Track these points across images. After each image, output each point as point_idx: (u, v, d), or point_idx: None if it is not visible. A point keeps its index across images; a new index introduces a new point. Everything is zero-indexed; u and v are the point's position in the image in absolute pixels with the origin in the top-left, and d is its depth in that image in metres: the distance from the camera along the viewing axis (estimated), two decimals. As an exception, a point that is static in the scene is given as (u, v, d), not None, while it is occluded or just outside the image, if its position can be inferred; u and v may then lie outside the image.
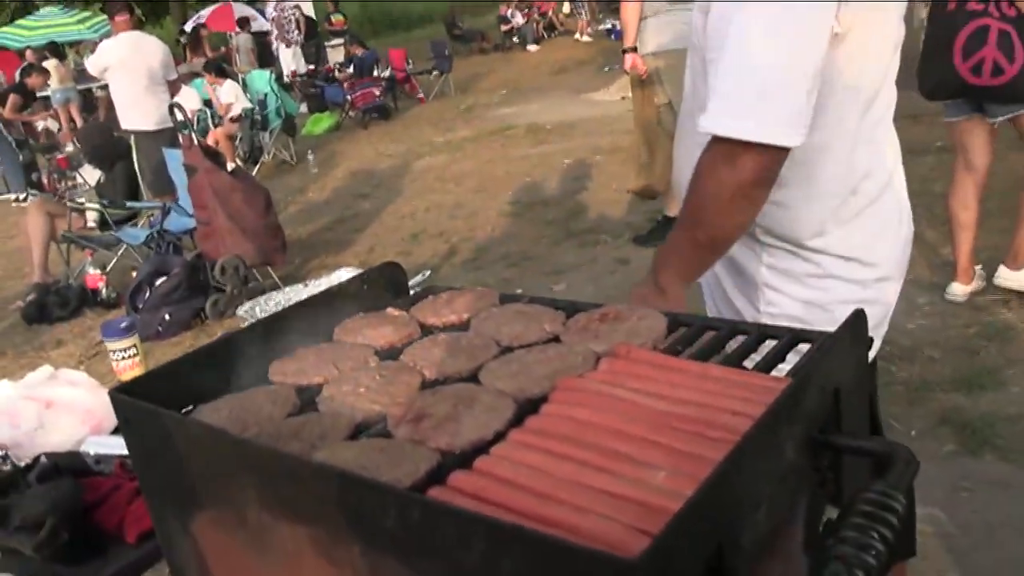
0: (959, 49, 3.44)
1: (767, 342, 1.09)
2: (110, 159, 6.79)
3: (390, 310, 1.33)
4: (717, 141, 1.28)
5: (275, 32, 14.95)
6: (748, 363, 1.06)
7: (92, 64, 7.00)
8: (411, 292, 2.16)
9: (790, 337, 1.07)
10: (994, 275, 4.02)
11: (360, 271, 2.44)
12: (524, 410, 0.99)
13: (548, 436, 0.89)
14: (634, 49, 4.77)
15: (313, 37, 16.48)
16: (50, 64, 12.70)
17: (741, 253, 1.51)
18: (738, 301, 1.55)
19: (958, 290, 3.95)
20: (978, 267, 4.05)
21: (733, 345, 1.12)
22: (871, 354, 1.54)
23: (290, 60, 14.61)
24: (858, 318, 0.96)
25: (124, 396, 1.05)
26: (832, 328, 1.42)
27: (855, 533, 0.72)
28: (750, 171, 1.25)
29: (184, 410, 1.13)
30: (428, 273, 2.32)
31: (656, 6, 4.67)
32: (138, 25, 8.05)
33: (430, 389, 1.07)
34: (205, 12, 18.61)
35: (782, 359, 1.04)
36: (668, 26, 4.62)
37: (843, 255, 1.45)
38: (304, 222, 7.64)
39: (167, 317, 5.20)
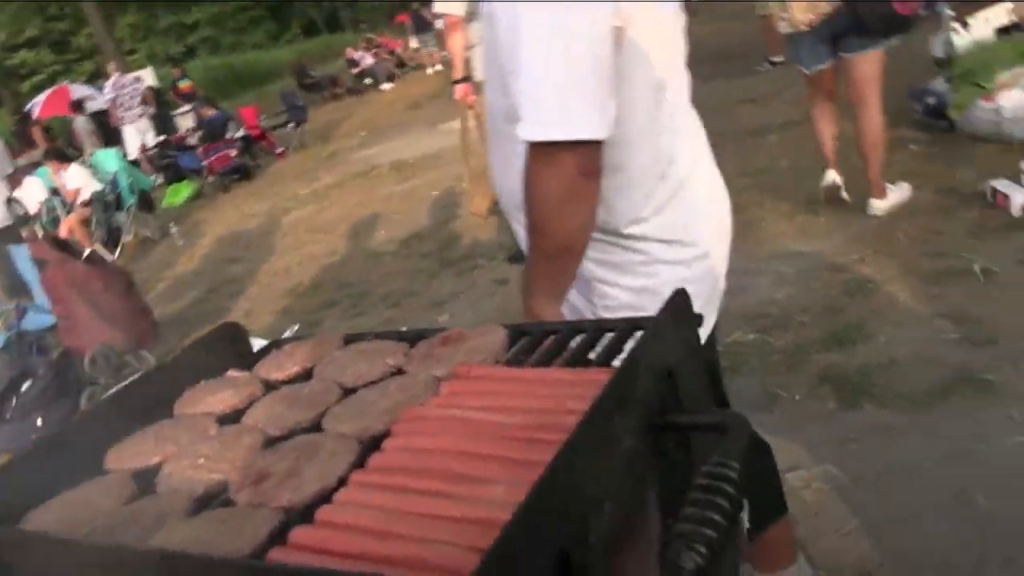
0: None
1: (605, 336, 1.10)
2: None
3: (231, 373, 1.28)
4: (534, 148, 1.31)
5: (113, 112, 14.41)
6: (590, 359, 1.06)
7: None
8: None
9: (625, 326, 1.08)
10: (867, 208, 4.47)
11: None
12: (368, 450, 0.96)
13: (390, 472, 0.87)
14: (464, 80, 4.81)
15: (161, 106, 16.01)
16: None
17: None
18: (575, 300, 1.58)
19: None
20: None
21: (575, 346, 1.12)
22: (708, 328, 1.60)
23: (134, 136, 14.11)
24: (679, 297, 0.97)
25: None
26: None
27: (693, 509, 0.72)
28: (572, 168, 1.29)
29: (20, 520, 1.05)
30: (296, 328, 2.25)
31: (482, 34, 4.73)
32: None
33: (271, 448, 1.02)
34: (40, 98, 17.83)
35: (620, 351, 1.04)
36: None
37: (664, 239, 1.51)
38: (176, 297, 7.36)
39: (39, 422, 4.90)
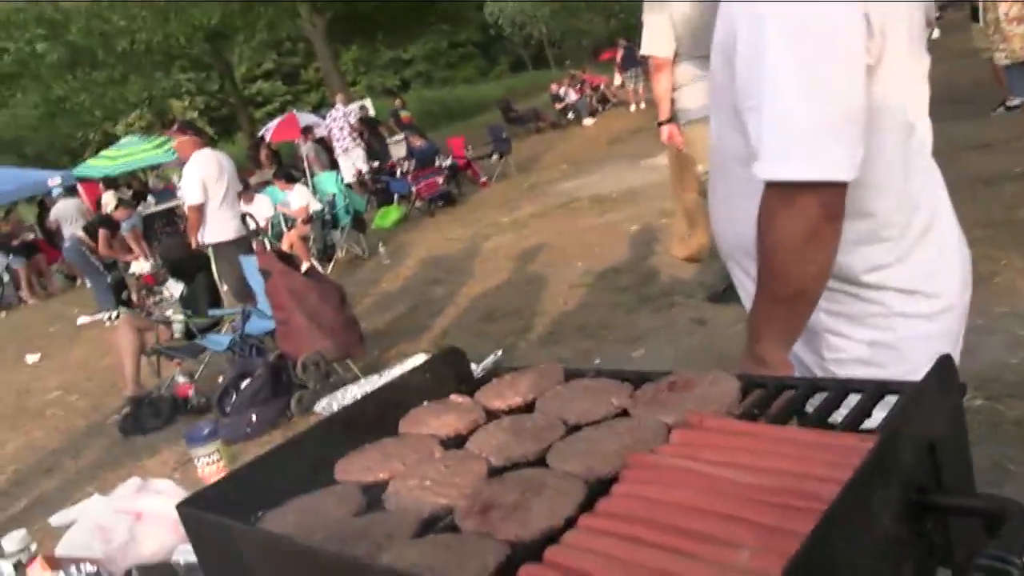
0: None
1: (850, 397, 1.02)
2: (191, 272, 7.04)
3: (454, 397, 1.30)
4: (772, 188, 1.26)
5: (329, 139, 15.56)
6: (832, 422, 0.99)
7: (192, 194, 7.18)
8: (482, 371, 2.15)
9: (874, 388, 1.00)
10: None
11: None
12: (595, 492, 0.94)
13: (620, 519, 0.84)
14: (669, 120, 4.74)
15: (377, 135, 17.05)
16: (108, 196, 13.18)
17: None
18: (802, 353, 1.49)
19: None
20: None
21: (816, 405, 1.05)
22: None
23: (349, 165, 15.10)
24: (945, 363, 0.88)
25: (190, 509, 1.04)
26: (904, 367, 1.36)
27: (971, 605, 0.64)
28: (813, 210, 1.23)
29: (253, 517, 1.12)
30: (500, 353, 2.29)
31: (688, 74, 4.62)
32: (209, 142, 8.42)
33: (497, 477, 1.03)
34: (272, 124, 19.49)
35: (867, 414, 0.96)
36: (704, 92, 4.60)
37: (904, 288, 1.41)
38: (380, 313, 7.74)
39: (254, 418, 5.29)
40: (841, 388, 1.04)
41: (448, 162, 13.63)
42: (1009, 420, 3.13)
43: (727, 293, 5.21)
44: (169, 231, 14.08)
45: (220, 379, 5.86)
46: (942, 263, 1.46)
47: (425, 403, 1.32)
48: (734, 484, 0.84)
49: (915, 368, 1.37)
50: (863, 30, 1.22)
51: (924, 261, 1.42)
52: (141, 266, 10.04)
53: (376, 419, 1.29)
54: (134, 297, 9.56)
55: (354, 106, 16.55)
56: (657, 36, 4.58)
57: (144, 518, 2.21)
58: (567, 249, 8.10)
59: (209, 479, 2.42)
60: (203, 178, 7.10)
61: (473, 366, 2.28)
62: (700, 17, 4.30)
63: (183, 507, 1.05)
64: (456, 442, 1.19)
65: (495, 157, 14.85)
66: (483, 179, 14.29)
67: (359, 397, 2.43)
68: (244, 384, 5.38)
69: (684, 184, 4.88)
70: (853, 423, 0.96)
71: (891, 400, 0.97)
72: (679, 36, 4.51)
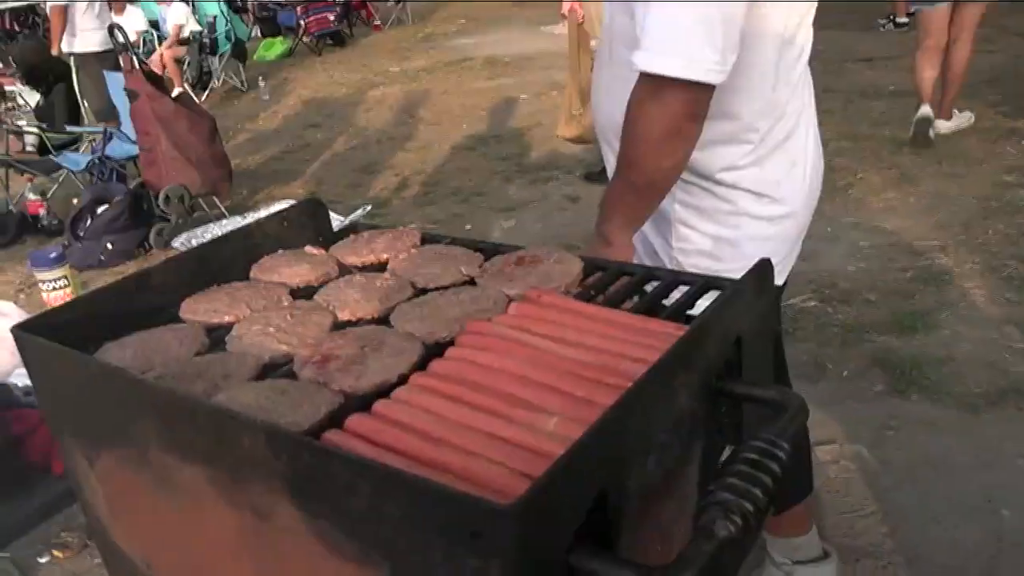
0: None
1: (680, 288, 1.10)
2: (48, 81, 6.54)
3: (308, 248, 1.32)
4: (645, 79, 1.30)
5: None
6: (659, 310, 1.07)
7: None
8: (350, 223, 2.15)
9: (701, 283, 1.08)
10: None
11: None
12: (431, 353, 0.99)
13: (449, 380, 0.89)
14: None
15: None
16: None
17: None
18: (652, 237, 1.58)
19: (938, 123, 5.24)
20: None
21: (648, 291, 1.12)
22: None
23: None
24: (764, 267, 0.97)
25: (26, 334, 1.03)
26: (741, 264, 1.47)
27: (737, 480, 0.74)
28: (678, 106, 1.28)
29: (93, 347, 1.11)
30: (368, 207, 2.29)
31: None
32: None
33: (340, 331, 1.06)
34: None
35: (691, 306, 1.05)
36: None
37: (755, 191, 1.49)
38: (253, 151, 7.47)
39: (109, 246, 5.10)
40: (672, 279, 1.11)
41: (342, -1, 12.95)
42: (835, 323, 3.40)
43: (603, 173, 5.30)
44: (27, 32, 12.91)
45: (75, 201, 5.58)
46: (794, 172, 1.54)
47: (280, 251, 1.33)
48: (557, 358, 0.91)
49: (750, 264, 1.49)
50: None
51: (777, 167, 1.50)
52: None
53: (228, 262, 1.29)
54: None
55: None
56: None
57: (-18, 337, 2.14)
58: (453, 109, 7.97)
59: (54, 304, 2.36)
60: None
61: (340, 218, 2.28)
62: None
63: (19, 330, 1.04)
64: (305, 293, 1.21)
65: (392, 1, 14.20)
66: (377, 22, 13.70)
67: (218, 234, 2.39)
68: (101, 209, 5.15)
69: (581, 60, 4.84)
70: (677, 313, 1.04)
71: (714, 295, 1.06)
72: None
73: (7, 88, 7.90)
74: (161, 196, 5.24)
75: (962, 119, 5.42)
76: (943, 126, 5.33)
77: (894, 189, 4.61)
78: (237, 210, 5.74)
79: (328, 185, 6.22)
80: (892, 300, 3.53)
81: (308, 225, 1.40)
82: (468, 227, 4.99)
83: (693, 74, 1.26)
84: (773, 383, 1.00)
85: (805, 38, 1.51)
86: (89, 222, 5.16)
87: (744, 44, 1.30)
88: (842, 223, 4.25)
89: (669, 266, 1.56)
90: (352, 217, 2.24)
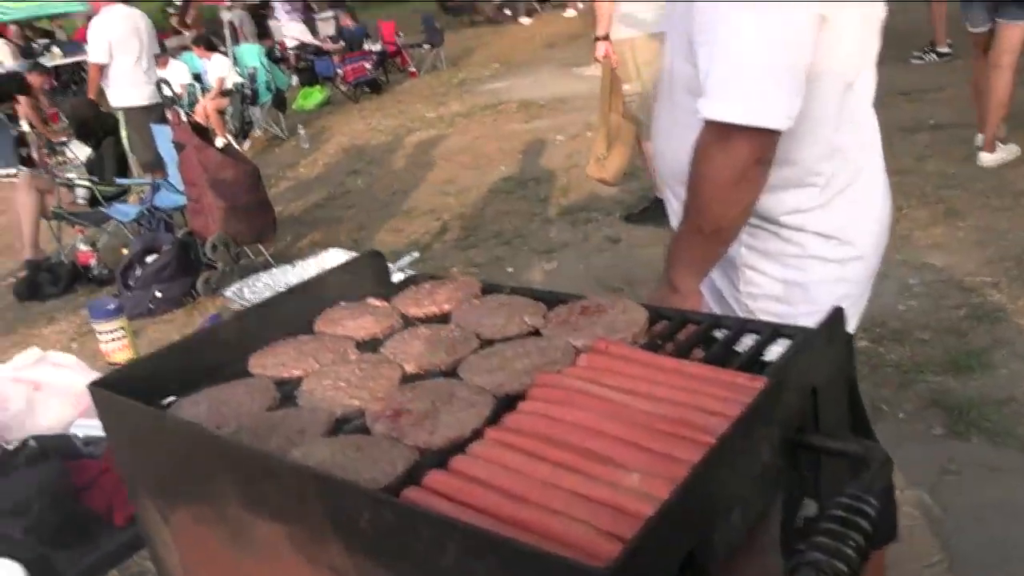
0: None
1: (747, 336, 1.09)
2: (97, 135, 6.73)
3: (371, 300, 1.33)
4: (710, 126, 1.31)
5: (283, 5, 14.70)
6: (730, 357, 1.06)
7: (95, 49, 6.80)
8: (399, 272, 2.17)
9: (770, 332, 1.07)
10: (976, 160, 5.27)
11: (348, 254, 2.44)
12: (502, 406, 0.99)
13: (524, 435, 0.89)
14: (606, 37, 4.69)
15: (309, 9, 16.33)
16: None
17: None
18: (719, 281, 1.58)
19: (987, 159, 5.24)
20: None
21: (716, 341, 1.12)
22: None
23: (296, 32, 14.32)
24: (836, 315, 0.96)
25: (103, 390, 1.05)
26: (811, 307, 1.45)
27: (827, 539, 0.72)
28: (745, 153, 1.29)
29: (165, 402, 1.13)
30: (416, 254, 2.31)
31: None
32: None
33: (409, 384, 1.07)
34: (195, -17, 18.36)
35: (762, 354, 1.04)
36: (642, 11, 4.57)
37: (822, 233, 1.48)
38: (295, 198, 7.60)
39: (158, 295, 5.19)
40: (739, 327, 1.10)
41: (378, 47, 13.21)
42: (888, 363, 3.34)
43: (643, 214, 5.31)
44: (76, 88, 13.33)
45: (124, 251, 5.70)
46: (862, 214, 1.53)
47: (342, 303, 1.34)
48: (631, 410, 0.90)
49: (821, 309, 1.47)
50: None
51: (845, 210, 1.49)
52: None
53: (292, 315, 1.31)
54: (35, 155, 9.09)
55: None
56: None
57: (43, 388, 2.18)
58: (490, 152, 8.05)
59: (111, 355, 2.40)
60: (110, 37, 6.71)
61: (389, 265, 2.31)
62: None
63: (95, 387, 1.06)
64: (371, 345, 1.22)
65: (426, 47, 14.45)
66: (412, 69, 13.92)
67: (271, 285, 2.42)
68: (150, 259, 5.25)
69: (612, 104, 4.87)
70: (748, 362, 1.03)
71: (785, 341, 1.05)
72: None
73: (58, 142, 8.15)
74: (208, 244, 5.33)
75: (1007, 152, 5.26)
76: (987, 159, 5.22)
77: (941, 224, 4.54)
78: (282, 257, 5.82)
79: (370, 231, 6.30)
80: (946, 339, 3.46)
81: (368, 277, 1.42)
82: (510, 269, 5.01)
83: (759, 120, 1.26)
84: (850, 433, 0.98)
85: (868, 80, 1.50)
86: (139, 271, 5.26)
87: (807, 88, 1.30)
88: (890, 260, 4.16)
89: (737, 311, 1.55)
90: (401, 263, 2.27)
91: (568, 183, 6.56)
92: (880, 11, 1.46)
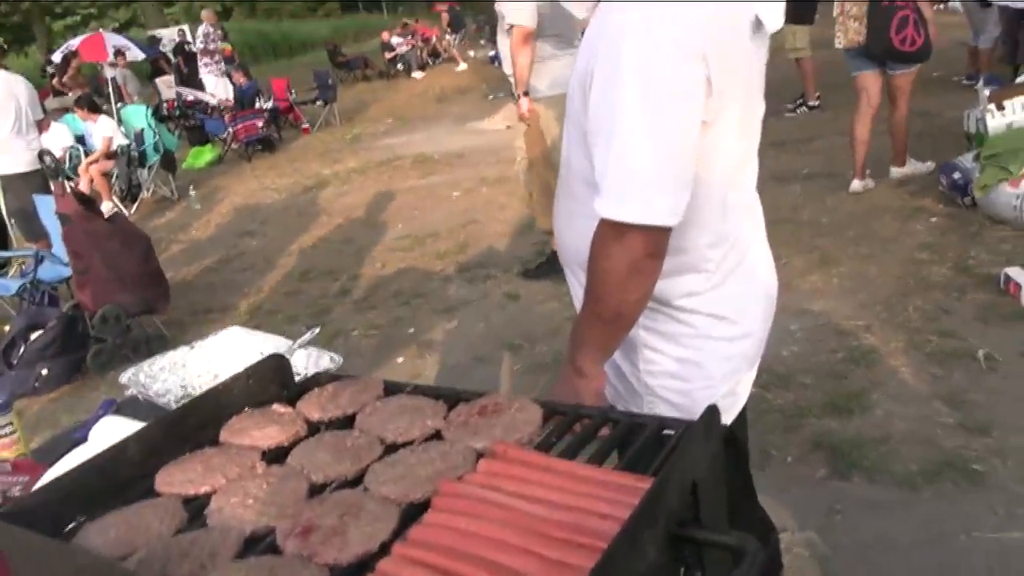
0: (893, 28, 5.38)
1: (637, 429, 1.18)
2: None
3: (276, 407, 1.36)
4: (606, 223, 1.41)
5: (204, 60, 14.45)
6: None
7: None
8: (300, 348, 2.18)
9: (655, 425, 1.16)
10: (888, 175, 6.12)
11: (249, 332, 2.43)
12: (408, 517, 1.04)
13: (429, 549, 0.94)
14: (526, 93, 4.80)
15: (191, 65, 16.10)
16: None
17: None
18: (620, 361, 1.67)
19: (857, 185, 6.04)
20: (868, 173, 6.06)
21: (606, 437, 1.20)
22: (738, 408, 1.68)
23: (215, 88, 14.06)
24: (711, 414, 1.05)
25: (3, 524, 1.04)
26: (705, 382, 1.55)
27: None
28: (639, 248, 1.39)
29: (73, 526, 1.13)
30: (316, 330, 2.33)
31: (543, 51, 4.74)
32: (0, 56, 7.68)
33: (317, 497, 1.10)
34: (75, 41, 17.87)
35: (650, 450, 1.12)
36: (554, 71, 4.72)
37: (714, 314, 1.59)
38: (188, 262, 7.45)
39: (44, 372, 5.00)
40: (629, 422, 1.19)
41: (269, 104, 13.15)
42: (774, 408, 3.53)
43: (539, 269, 5.45)
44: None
45: (6, 328, 5.46)
46: (749, 294, 1.65)
47: (247, 410, 1.37)
48: (529, 517, 0.97)
49: (715, 383, 1.58)
50: (703, 91, 1.37)
51: (733, 291, 1.60)
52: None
53: (197, 426, 1.33)
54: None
55: (172, 31, 15.48)
56: (525, 8, 4.59)
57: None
58: (387, 209, 8.10)
59: (1, 451, 2.32)
60: None
61: (288, 342, 2.31)
62: None
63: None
64: (277, 455, 1.25)
65: (319, 103, 14.47)
66: (305, 125, 13.91)
67: (167, 368, 2.39)
68: (35, 336, 5.06)
69: (546, 161, 4.89)
70: (633, 462, 1.11)
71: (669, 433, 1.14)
72: (542, 12, 4.60)
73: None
74: (97, 318, 5.17)
75: (919, 166, 6.06)
76: (897, 173, 6.07)
77: (817, 271, 4.83)
78: (175, 325, 5.70)
79: (266, 294, 6.23)
80: (827, 382, 3.68)
81: (273, 380, 1.45)
82: (411, 330, 5.05)
83: (651, 219, 1.37)
84: (727, 524, 1.07)
85: (752, 167, 1.64)
86: (22, 349, 5.05)
87: (694, 185, 1.41)
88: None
89: (636, 387, 1.65)
90: (301, 340, 2.29)
91: (465, 239, 6.66)
92: (760, 107, 1.59)
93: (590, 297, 1.47)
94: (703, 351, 1.60)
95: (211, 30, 14.50)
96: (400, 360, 4.66)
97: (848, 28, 5.66)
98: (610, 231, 1.39)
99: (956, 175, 5.31)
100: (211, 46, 14.32)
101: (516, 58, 4.69)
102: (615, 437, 1.17)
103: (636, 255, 1.39)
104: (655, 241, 1.39)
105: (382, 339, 5.00)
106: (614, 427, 1.20)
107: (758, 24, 1.49)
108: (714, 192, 1.50)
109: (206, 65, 14.32)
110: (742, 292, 1.62)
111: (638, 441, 1.13)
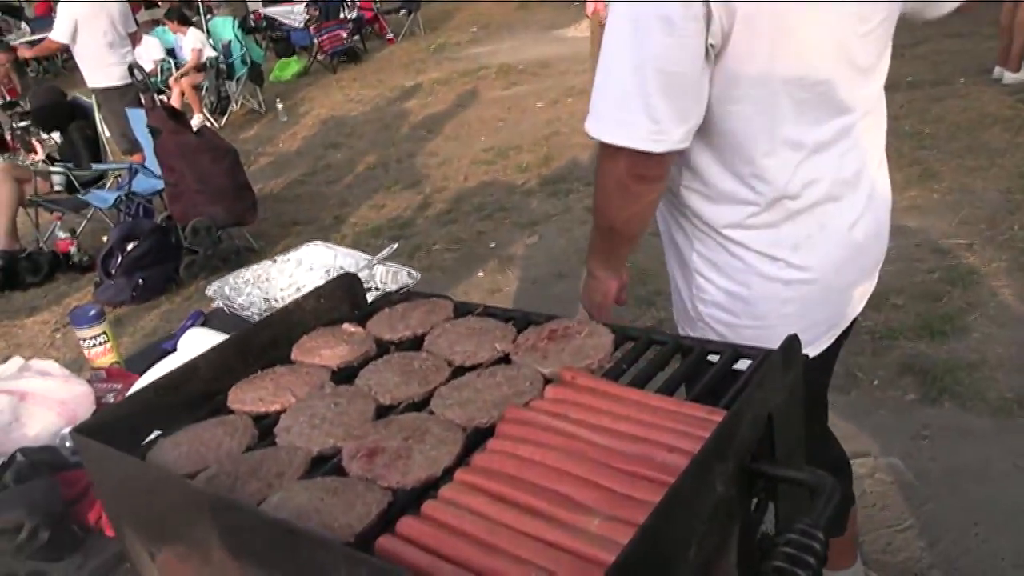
0: None
1: (710, 357, 1.13)
2: (58, 121, 6.66)
3: (346, 326, 1.36)
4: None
5: None
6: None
7: (58, 31, 6.73)
8: (379, 264, 2.19)
9: (730, 353, 1.11)
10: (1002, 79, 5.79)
11: (328, 247, 2.46)
12: (473, 442, 1.02)
13: (492, 476, 0.93)
14: None
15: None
16: None
17: (680, 237, 1.58)
18: (679, 282, 1.62)
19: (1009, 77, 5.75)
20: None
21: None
22: (819, 350, 1.59)
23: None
24: (791, 343, 0.99)
25: (84, 438, 1.08)
26: (757, 321, 1.48)
27: (777, 576, 0.77)
28: (623, 168, 1.35)
29: (150, 438, 1.16)
30: (395, 246, 2.34)
31: None
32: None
33: (383, 420, 1.10)
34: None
35: (723, 380, 1.07)
36: None
37: (765, 253, 1.47)
38: (275, 175, 7.57)
39: (140, 282, 5.19)
40: (701, 350, 1.14)
41: (354, 14, 13.04)
42: (863, 329, 3.40)
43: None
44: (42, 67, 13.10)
45: (104, 238, 5.69)
46: (820, 240, 1.46)
47: (318, 329, 1.37)
48: (595, 448, 0.94)
49: (765, 324, 1.50)
50: (698, 17, 1.22)
51: (796, 233, 1.45)
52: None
53: (269, 344, 1.34)
54: (7, 137, 8.97)
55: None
56: None
57: (28, 399, 2.20)
58: (471, 122, 8.02)
59: (95, 360, 2.42)
60: (75, 17, 6.60)
61: (367, 257, 2.32)
62: None
63: (76, 433, 1.09)
64: (346, 374, 1.25)
65: (403, 12, 14.28)
66: (390, 35, 13.78)
67: (251, 281, 2.44)
68: (131, 246, 5.25)
69: None
70: (709, 390, 1.07)
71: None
72: None
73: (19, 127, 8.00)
74: (188, 229, 5.33)
75: None
76: (1009, 78, 5.71)
77: (917, 186, 4.59)
78: (263, 237, 5.83)
79: (351, 207, 6.30)
80: (921, 303, 3.53)
81: (344, 299, 1.44)
82: (492, 245, 5.04)
83: (627, 141, 1.31)
84: (802, 461, 1.02)
85: (848, 94, 1.39)
86: (119, 259, 5.25)
87: (727, 107, 1.32)
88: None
89: (690, 312, 1.59)
90: (381, 255, 2.30)
91: (549, 152, 6.56)
92: (840, 30, 1.34)
93: (593, 207, 1.49)
94: (751, 288, 1.49)
95: None
96: (481, 274, 4.67)
97: None
98: (603, 148, 1.36)
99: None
100: None
101: None
102: (689, 364, 1.12)
103: (620, 174, 1.36)
104: (637, 165, 1.33)
105: (463, 253, 5.01)
106: (686, 354, 1.15)
107: None
108: (746, 117, 1.34)
109: None
110: (810, 234, 1.45)
111: (714, 368, 1.08)
